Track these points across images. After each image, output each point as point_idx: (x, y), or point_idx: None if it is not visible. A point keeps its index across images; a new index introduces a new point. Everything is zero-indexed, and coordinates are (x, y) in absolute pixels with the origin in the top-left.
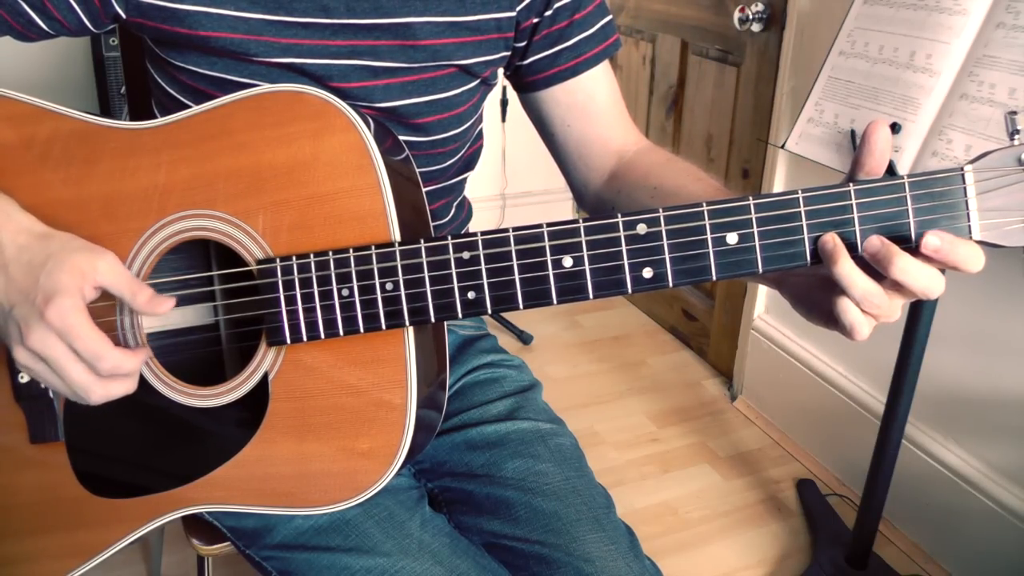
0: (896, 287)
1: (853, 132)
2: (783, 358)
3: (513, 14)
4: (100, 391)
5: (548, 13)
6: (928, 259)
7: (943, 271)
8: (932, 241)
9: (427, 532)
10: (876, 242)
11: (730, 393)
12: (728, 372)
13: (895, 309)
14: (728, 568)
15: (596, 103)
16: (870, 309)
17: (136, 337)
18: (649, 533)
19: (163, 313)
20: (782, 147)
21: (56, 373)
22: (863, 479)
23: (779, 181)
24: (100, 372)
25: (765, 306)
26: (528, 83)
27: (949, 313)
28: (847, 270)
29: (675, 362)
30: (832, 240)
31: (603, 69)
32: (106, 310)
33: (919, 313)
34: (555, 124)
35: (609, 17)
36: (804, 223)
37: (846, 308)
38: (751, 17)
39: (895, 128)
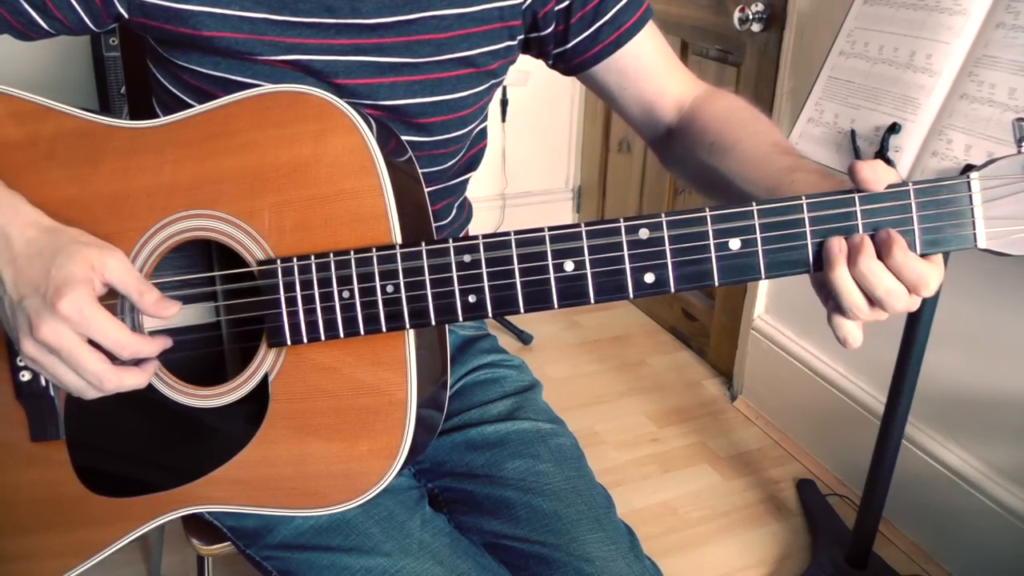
0: (880, 303)
1: (853, 132)
2: (783, 358)
3: (518, 1)
4: (114, 380)
5: None
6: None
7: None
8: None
9: (427, 532)
10: (883, 233)
11: (730, 393)
12: (728, 372)
13: (878, 318)
14: (728, 568)
15: (643, 63)
16: (854, 318)
17: None
18: (649, 533)
19: (169, 317)
20: None
21: (68, 364)
22: (863, 479)
23: None
24: (122, 358)
25: (765, 306)
26: (576, 64)
27: (949, 313)
28: (842, 278)
29: (675, 362)
30: (838, 245)
31: (645, 32)
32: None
33: (919, 313)
34: (612, 91)
35: None
36: (807, 229)
37: (840, 323)
38: (751, 17)
39: (895, 128)
